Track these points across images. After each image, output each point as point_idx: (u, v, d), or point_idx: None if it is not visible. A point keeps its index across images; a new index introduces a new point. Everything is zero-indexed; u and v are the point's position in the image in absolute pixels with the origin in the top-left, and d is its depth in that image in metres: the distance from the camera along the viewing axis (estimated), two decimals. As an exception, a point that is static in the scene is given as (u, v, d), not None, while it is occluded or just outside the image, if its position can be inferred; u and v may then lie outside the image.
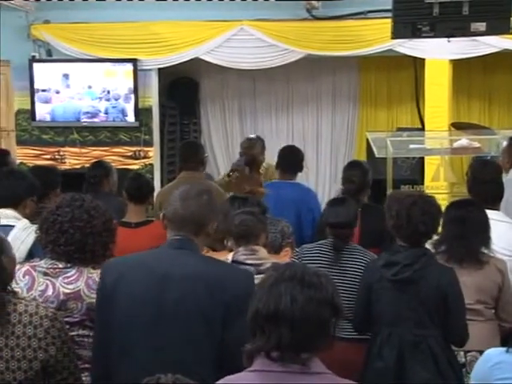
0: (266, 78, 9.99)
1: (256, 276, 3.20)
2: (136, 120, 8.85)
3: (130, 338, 2.74)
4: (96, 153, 8.92)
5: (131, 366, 2.72)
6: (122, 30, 8.67)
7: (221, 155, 10.29)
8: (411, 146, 7.40)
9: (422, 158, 8.14)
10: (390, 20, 5.69)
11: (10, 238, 3.43)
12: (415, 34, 5.58)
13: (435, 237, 3.95)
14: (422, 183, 7.68)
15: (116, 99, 8.82)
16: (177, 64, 8.87)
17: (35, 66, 8.83)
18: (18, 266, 3.02)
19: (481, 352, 2.70)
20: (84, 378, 2.92)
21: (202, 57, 8.75)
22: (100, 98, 8.84)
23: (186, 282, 2.71)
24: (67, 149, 9.06)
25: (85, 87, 8.83)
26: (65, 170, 8.43)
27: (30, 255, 3.65)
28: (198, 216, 2.81)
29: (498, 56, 8.35)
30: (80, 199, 3.21)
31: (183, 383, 2.03)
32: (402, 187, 6.76)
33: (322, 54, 8.50)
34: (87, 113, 8.88)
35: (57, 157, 9.05)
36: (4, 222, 3.94)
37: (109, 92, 8.81)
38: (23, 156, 9.01)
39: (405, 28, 5.58)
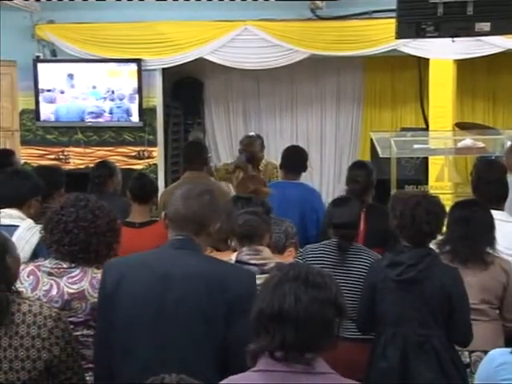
0: (270, 78, 10.00)
1: (260, 276, 3.20)
2: (140, 120, 8.86)
3: (131, 337, 2.74)
4: (100, 153, 8.93)
5: (133, 366, 2.72)
6: (126, 30, 8.68)
7: (225, 155, 10.29)
8: (415, 146, 7.39)
9: (426, 158, 8.13)
10: (394, 20, 5.68)
11: (14, 238, 3.43)
12: (419, 33, 5.57)
13: (439, 237, 3.94)
14: (426, 183, 7.67)
15: (121, 99, 8.83)
16: (181, 64, 8.88)
17: (39, 66, 8.84)
18: (22, 266, 3.03)
19: (485, 352, 2.69)
20: (88, 378, 2.93)
21: (206, 57, 8.75)
22: (104, 98, 8.86)
23: (187, 282, 2.71)
24: (71, 149, 9.08)
25: (89, 87, 8.84)
26: (69, 170, 8.44)
27: (35, 255, 3.65)
28: (200, 216, 2.81)
29: (503, 56, 8.34)
30: (84, 199, 3.21)
31: (187, 383, 2.03)
32: (406, 187, 6.75)
33: (327, 54, 8.49)
34: (92, 113, 8.89)
35: (61, 157, 9.06)
36: (8, 222, 3.94)
37: (113, 92, 8.82)
38: (27, 156, 9.02)
39: (409, 28, 5.57)
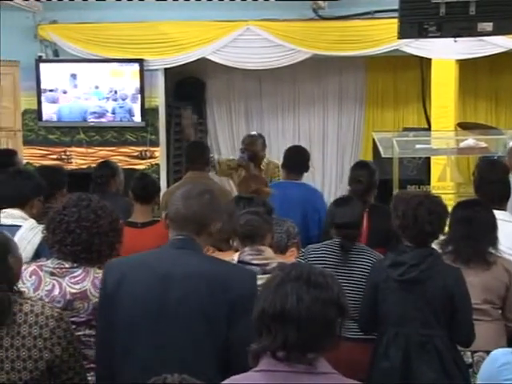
0: (272, 78, 9.99)
1: (262, 276, 3.20)
2: (142, 120, 8.87)
3: (132, 337, 2.74)
4: (102, 153, 8.93)
5: (134, 366, 2.72)
6: (128, 30, 8.67)
7: (227, 155, 10.27)
8: (417, 146, 7.39)
9: (429, 158, 8.13)
10: (396, 20, 5.68)
11: (16, 238, 3.43)
12: (422, 33, 5.56)
13: (442, 237, 3.94)
14: (429, 183, 7.67)
15: (123, 99, 8.83)
16: (183, 64, 8.87)
17: (42, 66, 8.84)
18: (24, 266, 3.03)
19: (488, 352, 2.69)
20: (90, 378, 2.93)
21: (209, 57, 8.75)
22: (107, 98, 8.86)
23: (187, 282, 2.71)
24: (73, 149, 9.08)
25: (92, 87, 8.85)
26: (71, 170, 8.44)
27: (37, 255, 3.66)
28: (200, 215, 2.81)
29: (505, 56, 8.33)
30: (87, 199, 3.21)
31: (189, 383, 2.03)
32: (409, 187, 6.75)
33: (329, 54, 8.49)
34: (94, 113, 8.89)
35: (63, 157, 9.06)
36: (11, 222, 3.95)
37: (116, 92, 8.83)
38: (30, 156, 9.03)
39: (411, 28, 5.56)
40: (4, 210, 4.04)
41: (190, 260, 2.78)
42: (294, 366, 2.09)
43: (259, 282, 2.72)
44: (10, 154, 6.15)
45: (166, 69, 9.01)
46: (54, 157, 9.04)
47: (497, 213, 4.17)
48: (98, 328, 2.90)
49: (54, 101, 8.90)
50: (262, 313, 2.12)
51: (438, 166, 7.78)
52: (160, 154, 9.07)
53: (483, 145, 7.10)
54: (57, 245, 3.13)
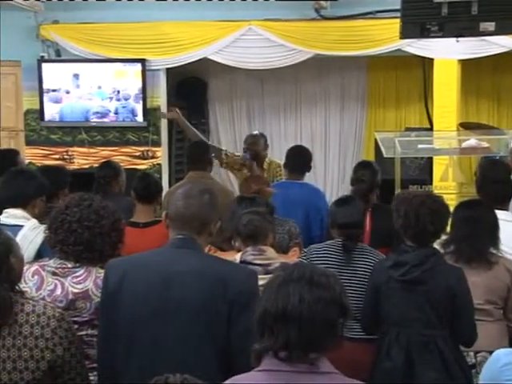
0: (274, 78, 9.99)
1: (264, 276, 3.20)
2: (144, 120, 8.87)
3: (133, 337, 2.75)
4: (104, 153, 8.94)
5: (135, 366, 2.73)
6: (130, 30, 8.68)
7: (229, 155, 10.29)
8: (419, 146, 7.38)
9: (431, 158, 8.12)
10: (398, 20, 5.67)
11: (18, 238, 3.44)
12: (424, 33, 5.55)
13: (443, 237, 3.94)
14: (431, 183, 7.67)
15: (126, 99, 8.84)
16: (185, 64, 8.88)
17: (44, 66, 8.86)
18: (26, 266, 3.03)
19: (491, 352, 2.69)
20: (92, 378, 2.93)
21: (211, 57, 8.75)
22: (110, 98, 8.87)
23: (188, 281, 2.71)
24: (76, 149, 9.09)
25: (95, 87, 8.85)
26: (73, 170, 8.45)
27: (39, 255, 3.66)
28: (200, 215, 2.82)
29: (507, 56, 8.33)
30: (89, 199, 3.21)
31: (191, 383, 2.03)
32: (411, 187, 6.74)
33: (331, 53, 8.49)
34: (97, 113, 8.90)
35: (65, 157, 9.07)
36: (13, 221, 3.95)
37: (119, 92, 8.83)
38: (32, 156, 9.04)
39: (413, 28, 5.56)
40: (6, 210, 4.04)
41: (190, 259, 2.79)
42: (296, 365, 2.09)
43: (261, 282, 2.72)
44: (13, 154, 6.15)
45: (167, 69, 9.02)
46: (56, 157, 9.06)
47: (499, 213, 4.17)
48: (100, 327, 2.90)
49: (57, 101, 8.91)
50: (264, 313, 2.12)
51: (440, 165, 7.78)
52: (162, 154, 9.07)
53: (485, 145, 7.09)
54: (59, 244, 3.13)
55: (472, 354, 3.79)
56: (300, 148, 6.43)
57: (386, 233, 4.67)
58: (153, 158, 9.03)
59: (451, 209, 4.00)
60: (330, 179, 10.26)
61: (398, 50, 8.17)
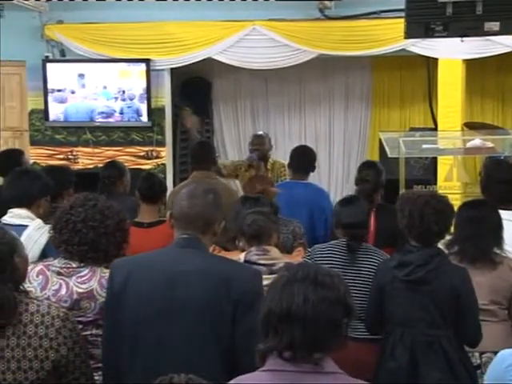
0: (278, 78, 9.99)
1: (269, 276, 3.20)
2: (149, 120, 8.88)
3: (138, 337, 2.75)
4: (109, 153, 8.95)
5: (140, 365, 2.73)
6: (134, 30, 8.69)
7: (233, 155, 10.29)
8: (424, 146, 7.37)
9: (435, 158, 8.12)
10: (403, 20, 5.67)
11: (23, 238, 3.44)
12: (428, 33, 5.55)
13: (448, 237, 3.93)
14: (435, 183, 7.66)
15: (131, 99, 8.85)
16: (189, 64, 8.89)
17: (48, 66, 8.87)
18: (31, 266, 3.03)
19: (496, 353, 2.69)
20: (97, 378, 2.93)
21: (215, 57, 8.76)
22: (115, 98, 8.88)
23: (192, 281, 2.72)
24: (80, 149, 9.10)
25: (100, 87, 8.87)
26: (78, 170, 8.46)
27: (44, 255, 3.67)
28: (204, 214, 2.82)
29: (512, 56, 8.32)
30: (93, 199, 3.22)
31: (196, 383, 2.03)
32: (415, 187, 6.73)
33: (335, 53, 8.49)
34: (102, 113, 8.92)
35: (70, 157, 9.08)
36: (18, 221, 3.96)
37: (124, 92, 8.85)
38: (36, 156, 9.05)
39: (418, 28, 5.56)
40: (11, 210, 4.05)
41: (195, 259, 2.79)
42: (300, 365, 2.09)
43: (265, 282, 2.72)
44: (17, 154, 6.16)
45: (172, 69, 9.03)
46: (61, 157, 9.07)
47: (502, 213, 4.16)
48: (105, 327, 2.91)
49: (63, 101, 8.93)
50: (269, 313, 2.12)
51: (444, 165, 7.77)
52: (166, 153, 9.08)
53: (490, 145, 7.08)
54: (63, 244, 3.13)
55: (477, 354, 3.78)
56: (304, 148, 6.43)
57: (391, 233, 4.67)
58: (157, 158, 9.03)
59: (456, 209, 3.99)
60: (335, 179, 10.25)
61: (403, 49, 8.17)
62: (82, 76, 8.87)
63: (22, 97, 9.18)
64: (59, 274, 3.09)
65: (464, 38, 5.75)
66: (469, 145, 7.25)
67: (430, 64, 8.96)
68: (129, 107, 8.87)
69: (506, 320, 3.94)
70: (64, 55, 8.97)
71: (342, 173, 10.24)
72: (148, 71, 8.74)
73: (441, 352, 3.59)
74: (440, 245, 3.84)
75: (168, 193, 5.59)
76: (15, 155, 6.07)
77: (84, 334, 2.93)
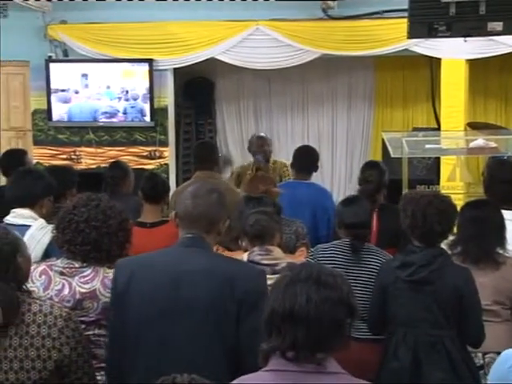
0: (281, 78, 9.99)
1: (271, 276, 3.20)
2: (151, 120, 8.88)
3: (141, 337, 2.75)
4: (112, 153, 8.96)
5: (143, 365, 2.73)
6: (137, 30, 8.70)
7: (236, 155, 10.30)
8: (427, 146, 7.36)
9: (438, 158, 8.11)
10: (406, 20, 5.67)
11: (25, 238, 3.45)
12: (431, 33, 5.55)
13: (451, 237, 3.93)
14: (438, 183, 7.65)
15: (135, 99, 8.86)
16: (192, 64, 8.89)
17: (52, 66, 8.88)
18: (34, 266, 3.04)
19: (499, 353, 2.68)
20: (100, 378, 2.93)
21: (218, 57, 8.76)
22: (119, 98, 8.88)
23: (196, 280, 2.72)
24: (83, 149, 9.12)
25: (103, 87, 8.87)
26: (81, 170, 8.47)
27: (46, 255, 3.66)
28: (208, 214, 2.83)
29: (515, 56, 8.31)
30: (96, 199, 3.22)
31: (199, 383, 2.03)
32: (418, 187, 6.72)
33: (338, 53, 8.49)
34: (105, 113, 8.92)
35: (73, 157, 9.10)
36: (21, 221, 3.96)
37: (127, 92, 8.85)
38: (40, 156, 9.06)
39: (421, 28, 5.55)
40: (14, 210, 4.05)
41: (199, 258, 2.79)
42: (303, 365, 2.09)
43: (268, 282, 2.72)
44: (20, 154, 6.17)
45: (175, 69, 9.04)
46: (64, 157, 9.08)
47: (505, 213, 4.15)
48: (109, 328, 2.91)
49: (66, 101, 8.94)
50: (272, 313, 2.12)
51: (447, 165, 7.76)
52: (169, 153, 9.09)
53: (493, 145, 7.07)
54: (66, 244, 3.13)
55: (480, 355, 3.78)
56: (307, 148, 6.42)
57: (393, 233, 4.66)
58: (160, 157, 9.04)
59: (459, 209, 3.99)
60: (337, 179, 10.25)
61: (406, 49, 8.17)
62: (85, 76, 8.88)
63: (25, 97, 9.19)
64: (62, 273, 3.09)
65: (467, 38, 5.74)
66: (472, 145, 7.24)
67: (433, 64, 8.95)
68: (132, 107, 8.87)
69: (509, 320, 3.94)
70: (67, 55, 8.98)
71: (344, 173, 10.24)
72: (151, 71, 8.74)
73: (444, 352, 3.59)
74: (443, 245, 3.84)
75: (171, 193, 5.59)
76: (18, 155, 6.08)
77: (86, 333, 2.93)
